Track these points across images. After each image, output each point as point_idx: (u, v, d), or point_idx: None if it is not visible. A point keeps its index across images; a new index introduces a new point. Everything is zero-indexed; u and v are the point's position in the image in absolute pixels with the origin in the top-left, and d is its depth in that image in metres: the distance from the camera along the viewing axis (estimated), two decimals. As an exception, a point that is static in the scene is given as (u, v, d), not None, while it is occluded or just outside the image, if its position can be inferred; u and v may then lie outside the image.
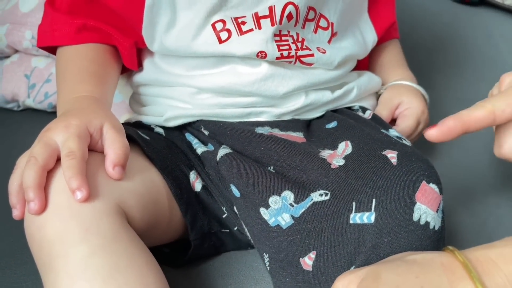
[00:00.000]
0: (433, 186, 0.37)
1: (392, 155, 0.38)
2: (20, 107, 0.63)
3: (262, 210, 0.39)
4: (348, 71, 0.50)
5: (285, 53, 0.44)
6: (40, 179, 0.33)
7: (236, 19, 0.43)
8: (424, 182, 0.37)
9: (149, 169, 0.41)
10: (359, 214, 0.36)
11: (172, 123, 0.46)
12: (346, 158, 0.39)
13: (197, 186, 0.44)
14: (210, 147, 0.45)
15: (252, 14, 0.43)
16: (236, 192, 0.41)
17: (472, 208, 0.51)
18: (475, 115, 0.37)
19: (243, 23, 0.44)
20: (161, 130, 0.47)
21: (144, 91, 0.49)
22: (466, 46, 0.81)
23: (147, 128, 0.47)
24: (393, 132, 0.44)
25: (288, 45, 0.44)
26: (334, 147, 0.41)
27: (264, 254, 0.39)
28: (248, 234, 0.42)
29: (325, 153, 0.41)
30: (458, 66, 0.75)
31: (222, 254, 0.46)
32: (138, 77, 0.49)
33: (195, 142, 0.46)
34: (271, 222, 0.38)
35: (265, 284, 0.43)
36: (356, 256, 0.36)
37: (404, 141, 0.42)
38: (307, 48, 0.45)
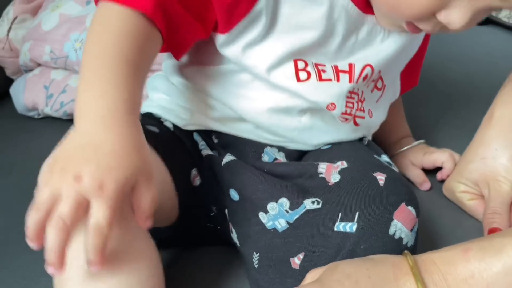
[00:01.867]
0: (411, 208, 0.41)
1: (380, 177, 0.41)
2: (40, 115, 0.70)
3: (261, 214, 0.42)
4: None
5: (348, 110, 0.46)
6: (64, 242, 0.31)
7: (316, 65, 0.44)
8: (403, 204, 0.40)
9: (158, 161, 0.41)
10: (343, 223, 0.40)
11: (187, 128, 0.48)
12: (341, 172, 0.42)
13: (196, 181, 0.47)
14: (215, 153, 0.48)
15: (332, 66, 0.45)
16: (235, 196, 0.44)
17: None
18: None
19: (323, 71, 0.44)
20: (170, 125, 0.48)
21: (172, 84, 0.48)
22: (468, 63, 0.84)
23: (157, 119, 0.48)
24: (384, 158, 0.48)
25: (353, 103, 0.47)
26: (331, 162, 0.45)
27: (254, 253, 0.43)
28: (234, 234, 0.46)
29: (324, 165, 0.44)
30: (457, 83, 0.78)
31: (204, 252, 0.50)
32: (182, 69, 0.46)
33: (201, 143, 0.48)
34: (269, 225, 0.42)
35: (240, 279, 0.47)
36: (335, 258, 0.40)
37: (393, 167, 0.46)
38: (363, 110, 0.48)
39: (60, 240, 0.30)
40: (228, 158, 0.46)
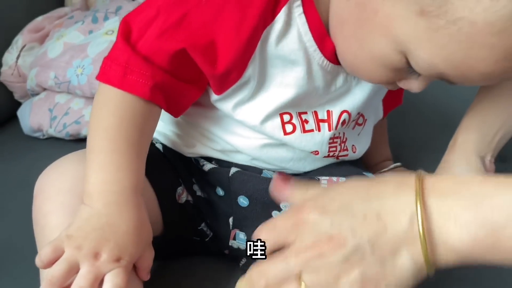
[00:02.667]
0: None
1: None
2: (44, 136, 0.75)
3: (274, 212, 0.47)
4: None
5: (331, 154, 0.50)
6: None
7: (300, 114, 0.48)
8: None
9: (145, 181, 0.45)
10: None
11: (191, 156, 0.51)
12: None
13: (182, 199, 0.51)
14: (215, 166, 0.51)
15: (312, 112, 0.48)
16: (244, 202, 0.48)
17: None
18: None
19: (306, 121, 0.48)
20: (160, 146, 0.52)
21: (179, 120, 0.51)
22: (450, 89, 0.87)
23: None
24: (370, 175, 0.53)
25: (336, 146, 0.51)
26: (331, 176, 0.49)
27: None
28: (239, 239, 0.50)
29: (325, 179, 0.49)
30: (439, 109, 0.82)
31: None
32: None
33: (202, 160, 0.51)
34: None
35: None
36: None
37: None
38: (346, 149, 0.52)
39: None
40: (234, 169, 0.49)
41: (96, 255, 0.37)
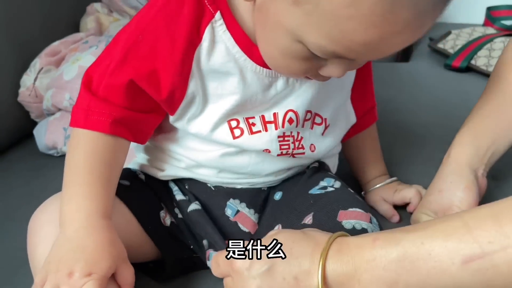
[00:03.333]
0: (353, 209, 0.49)
1: (309, 218, 0.51)
2: (58, 153, 0.80)
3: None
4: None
5: (284, 151, 0.54)
6: None
7: (247, 119, 0.52)
8: (341, 211, 0.49)
9: (127, 213, 0.52)
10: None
11: (165, 178, 0.57)
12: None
13: (167, 221, 0.55)
14: (186, 198, 0.56)
15: (260, 117, 0.52)
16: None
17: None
18: None
19: (253, 124, 0.53)
20: (143, 177, 0.57)
21: (149, 146, 0.57)
22: (445, 108, 0.91)
23: (132, 173, 0.57)
24: (322, 184, 0.56)
25: (288, 144, 0.54)
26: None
27: None
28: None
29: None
30: (432, 126, 0.85)
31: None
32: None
33: (175, 189, 0.57)
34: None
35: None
36: None
37: (328, 190, 0.55)
38: (302, 147, 0.55)
39: None
40: (193, 206, 0.55)
41: (70, 275, 0.42)
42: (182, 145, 0.54)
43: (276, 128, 0.53)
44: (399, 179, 0.68)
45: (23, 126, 0.86)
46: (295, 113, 0.53)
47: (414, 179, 0.70)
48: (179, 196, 0.56)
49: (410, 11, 0.37)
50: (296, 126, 0.54)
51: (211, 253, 0.54)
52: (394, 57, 1.20)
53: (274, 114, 0.53)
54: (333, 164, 0.63)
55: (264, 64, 0.49)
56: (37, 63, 0.84)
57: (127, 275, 0.46)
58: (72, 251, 0.44)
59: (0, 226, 0.66)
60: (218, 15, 0.47)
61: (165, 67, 0.47)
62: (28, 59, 0.85)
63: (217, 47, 0.48)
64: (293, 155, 0.55)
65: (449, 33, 1.14)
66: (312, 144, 0.56)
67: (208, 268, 0.56)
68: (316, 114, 0.56)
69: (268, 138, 0.53)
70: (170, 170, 0.56)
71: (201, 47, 0.48)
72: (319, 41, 0.41)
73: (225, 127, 0.52)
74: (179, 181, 0.57)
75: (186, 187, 0.57)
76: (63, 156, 0.80)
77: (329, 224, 0.48)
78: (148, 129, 0.52)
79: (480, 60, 1.01)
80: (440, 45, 1.11)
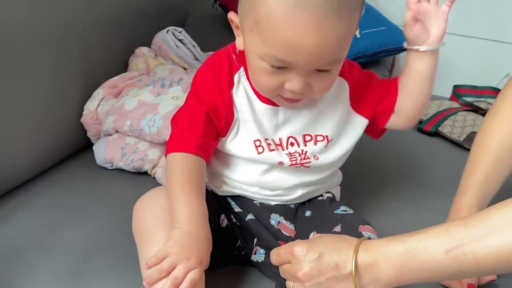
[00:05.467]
0: (367, 226, 0.69)
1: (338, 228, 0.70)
2: (112, 167, 0.98)
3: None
4: (334, 172, 0.78)
5: (293, 162, 0.71)
6: None
7: (266, 140, 0.70)
8: (360, 225, 0.69)
9: None
10: None
11: (221, 194, 0.76)
12: None
13: (224, 223, 0.75)
14: (242, 210, 0.75)
15: (271, 140, 0.70)
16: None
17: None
18: None
19: (270, 144, 0.70)
20: (209, 189, 0.76)
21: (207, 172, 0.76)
22: (415, 165, 1.14)
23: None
24: (342, 208, 0.76)
25: (296, 158, 0.71)
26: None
27: None
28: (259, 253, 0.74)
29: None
30: (407, 179, 1.08)
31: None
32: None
33: (233, 204, 0.76)
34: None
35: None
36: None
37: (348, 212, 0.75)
38: (307, 158, 0.71)
39: None
40: (250, 216, 0.75)
41: (188, 259, 0.61)
42: (227, 167, 0.74)
43: (283, 149, 0.71)
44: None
45: (80, 142, 1.05)
46: (294, 138, 0.71)
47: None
48: (237, 209, 0.76)
49: (309, 14, 0.55)
50: (298, 146, 0.71)
51: (258, 249, 0.74)
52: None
53: (280, 139, 0.70)
54: (337, 192, 0.83)
55: (267, 102, 0.69)
56: (100, 92, 1.03)
57: (206, 265, 0.65)
58: (190, 242, 0.62)
59: (72, 220, 0.83)
60: (242, 68, 0.69)
61: (220, 103, 0.69)
62: (90, 89, 1.05)
63: (240, 88, 0.69)
64: (302, 164, 0.72)
65: (422, 102, 1.38)
66: (315, 156, 0.72)
67: (242, 262, 0.76)
68: (317, 135, 0.72)
69: (281, 154, 0.71)
70: (224, 188, 0.76)
71: (234, 88, 0.69)
72: (267, 50, 0.59)
73: (251, 145, 0.70)
74: (235, 198, 0.77)
75: (239, 202, 0.77)
76: (115, 169, 0.99)
77: (352, 233, 0.66)
78: (212, 152, 0.72)
79: (446, 128, 1.25)
80: (415, 112, 1.35)
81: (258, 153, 0.71)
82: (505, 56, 1.51)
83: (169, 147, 0.70)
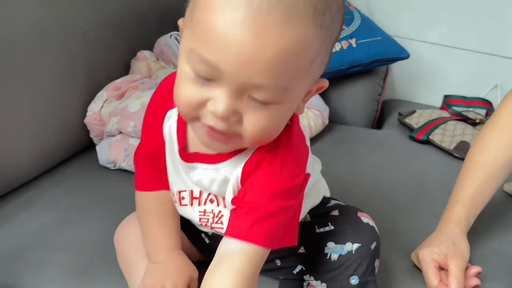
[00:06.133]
0: (363, 213, 0.70)
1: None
2: (115, 167, 1.01)
3: None
4: None
5: (203, 223, 0.66)
6: None
7: (179, 192, 0.65)
8: (359, 212, 0.70)
9: (184, 237, 0.73)
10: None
11: None
12: None
13: (207, 240, 0.73)
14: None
15: (190, 191, 0.64)
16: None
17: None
18: None
19: (183, 198, 0.65)
20: None
21: None
22: (407, 172, 1.18)
23: None
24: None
25: (207, 219, 0.65)
26: None
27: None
28: None
29: None
30: (398, 186, 1.11)
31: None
32: None
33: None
34: None
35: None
36: None
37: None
38: (221, 223, 0.64)
39: None
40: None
41: (163, 286, 0.63)
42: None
43: (199, 204, 0.64)
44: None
45: (82, 143, 1.07)
46: (215, 195, 0.63)
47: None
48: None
49: (250, 4, 0.43)
50: (218, 205, 0.63)
51: None
52: (371, 124, 1.47)
53: (201, 192, 0.64)
54: (325, 188, 0.78)
55: (185, 159, 0.61)
56: (104, 94, 1.05)
57: (195, 281, 0.66)
58: (162, 272, 0.64)
59: (77, 219, 0.85)
60: (175, 108, 0.62)
61: (155, 142, 0.65)
62: (93, 91, 1.06)
63: (166, 128, 0.63)
64: (214, 228, 0.65)
65: (414, 111, 1.41)
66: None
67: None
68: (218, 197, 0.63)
69: (191, 211, 0.65)
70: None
71: (163, 126, 0.64)
72: (192, 45, 0.47)
73: (176, 195, 0.66)
74: None
75: None
76: (119, 169, 1.01)
77: (352, 218, 0.67)
78: None
79: (436, 137, 1.29)
80: (407, 120, 1.38)
81: (178, 204, 0.67)
82: (493, 68, 1.56)
83: (135, 183, 0.71)
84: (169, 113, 0.63)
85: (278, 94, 0.48)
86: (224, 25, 0.44)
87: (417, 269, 0.80)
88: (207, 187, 0.62)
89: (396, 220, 0.96)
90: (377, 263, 0.68)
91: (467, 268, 0.77)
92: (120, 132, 1.01)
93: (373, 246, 0.66)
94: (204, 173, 0.61)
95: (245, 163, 0.57)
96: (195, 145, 0.61)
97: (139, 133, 0.95)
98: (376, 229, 0.69)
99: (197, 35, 0.47)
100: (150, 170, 0.69)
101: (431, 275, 0.75)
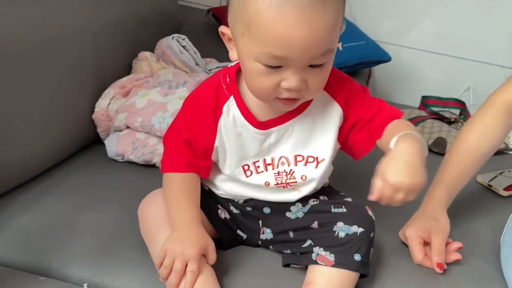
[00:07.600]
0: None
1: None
2: (123, 159, 1.07)
3: (287, 213, 0.83)
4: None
5: (279, 182, 0.78)
6: (178, 283, 0.70)
7: (254, 163, 0.77)
8: (366, 206, 0.80)
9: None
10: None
11: (221, 195, 0.84)
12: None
13: (222, 215, 0.83)
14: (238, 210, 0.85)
15: (262, 160, 0.76)
16: (267, 210, 0.83)
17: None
18: None
19: (258, 166, 0.76)
20: (207, 189, 0.84)
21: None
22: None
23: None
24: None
25: (282, 177, 0.77)
26: None
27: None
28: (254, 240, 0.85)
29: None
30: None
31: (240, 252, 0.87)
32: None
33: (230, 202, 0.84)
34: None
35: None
36: None
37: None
38: (294, 178, 0.77)
39: (176, 281, 0.70)
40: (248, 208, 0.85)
41: (182, 253, 0.70)
42: (217, 180, 0.82)
43: (273, 168, 0.77)
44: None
45: (90, 138, 1.14)
46: (286, 158, 0.77)
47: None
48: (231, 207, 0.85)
49: (295, 7, 0.58)
50: (289, 165, 0.76)
51: (265, 229, 0.84)
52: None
53: (272, 158, 0.76)
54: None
55: (259, 127, 0.74)
56: (111, 92, 1.12)
57: (211, 252, 0.74)
58: (182, 238, 0.72)
59: (93, 205, 0.92)
60: (232, 97, 0.74)
61: (200, 133, 0.76)
62: (100, 88, 1.14)
63: (230, 117, 0.74)
64: (288, 184, 0.78)
65: (395, 110, 1.53)
66: (303, 175, 0.77)
67: (250, 244, 0.86)
68: (309, 156, 0.77)
69: (268, 175, 0.77)
70: (217, 191, 0.85)
71: (222, 117, 0.75)
72: (260, 50, 0.61)
73: (240, 169, 0.78)
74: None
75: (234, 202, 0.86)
76: (125, 162, 1.08)
77: (361, 208, 0.77)
78: (205, 169, 0.80)
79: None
80: (388, 119, 1.50)
81: (246, 176, 0.78)
82: (466, 72, 1.69)
83: (163, 166, 0.80)
84: (225, 107, 0.75)
85: (329, 55, 0.65)
86: (285, 30, 0.59)
87: (405, 245, 0.89)
88: (283, 144, 0.76)
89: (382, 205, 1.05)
90: (371, 251, 0.79)
91: (449, 243, 0.87)
92: (128, 127, 1.08)
93: (371, 235, 0.78)
94: (278, 134, 0.75)
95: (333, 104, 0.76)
96: (264, 116, 0.75)
97: (147, 128, 1.04)
98: (374, 223, 0.78)
99: (263, 42, 0.61)
100: (188, 155, 0.77)
101: (416, 250, 0.85)
